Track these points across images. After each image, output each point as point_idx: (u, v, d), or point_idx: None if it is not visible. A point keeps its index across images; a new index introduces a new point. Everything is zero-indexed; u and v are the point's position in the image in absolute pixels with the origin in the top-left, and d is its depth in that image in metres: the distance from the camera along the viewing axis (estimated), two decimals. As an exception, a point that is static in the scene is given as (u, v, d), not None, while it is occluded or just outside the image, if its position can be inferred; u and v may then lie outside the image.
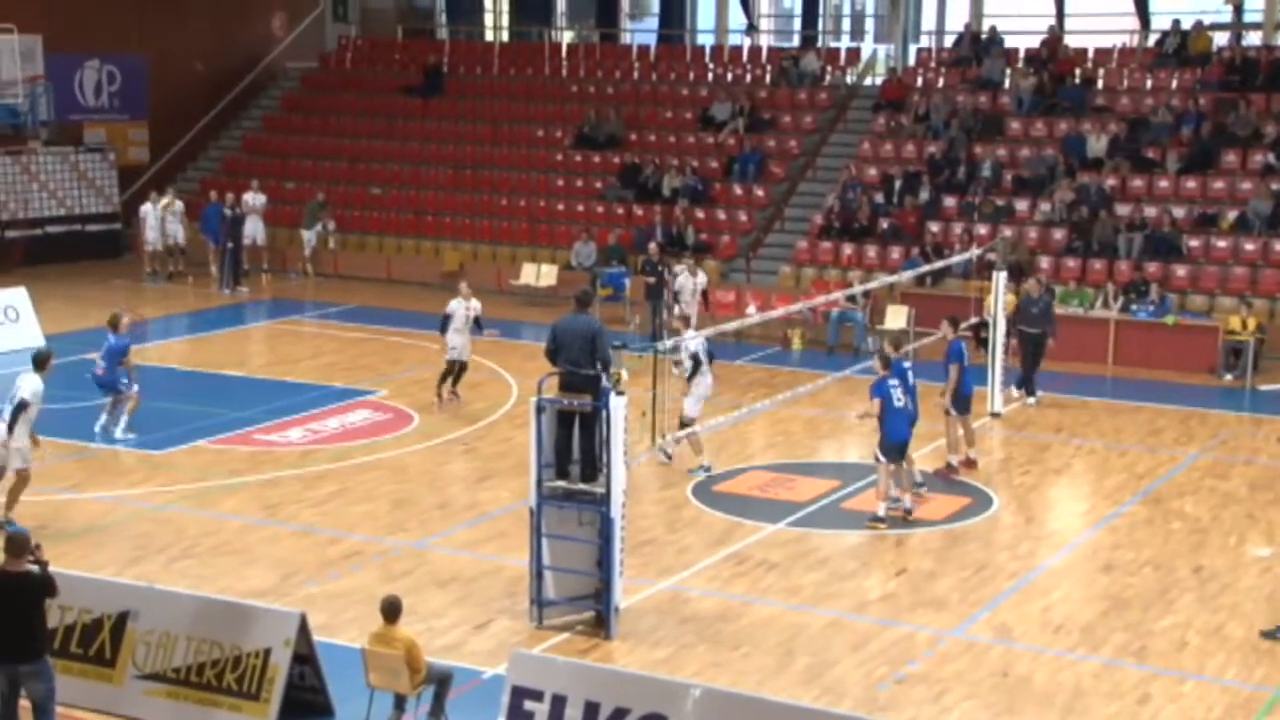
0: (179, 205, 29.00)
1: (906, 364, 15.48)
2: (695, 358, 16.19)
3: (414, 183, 31.04)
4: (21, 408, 13.84)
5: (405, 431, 18.21)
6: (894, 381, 14.85)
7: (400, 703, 10.22)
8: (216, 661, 10.35)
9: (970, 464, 16.80)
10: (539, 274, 27.27)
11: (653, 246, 24.75)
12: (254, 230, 28.90)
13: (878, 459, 14.86)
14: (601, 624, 11.98)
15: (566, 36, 37.54)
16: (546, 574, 12.10)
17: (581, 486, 12.03)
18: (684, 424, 15.84)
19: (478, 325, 19.35)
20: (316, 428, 18.27)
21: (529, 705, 9.66)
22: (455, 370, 19.20)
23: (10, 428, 13.82)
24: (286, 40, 35.57)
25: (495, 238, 29.20)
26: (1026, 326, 19.95)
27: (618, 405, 11.76)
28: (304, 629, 10.36)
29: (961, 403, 16.63)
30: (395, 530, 14.58)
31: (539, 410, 11.97)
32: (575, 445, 12.07)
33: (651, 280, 23.64)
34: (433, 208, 30.30)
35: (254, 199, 29.12)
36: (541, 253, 28.20)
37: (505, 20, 38.64)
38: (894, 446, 14.75)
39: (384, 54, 35.31)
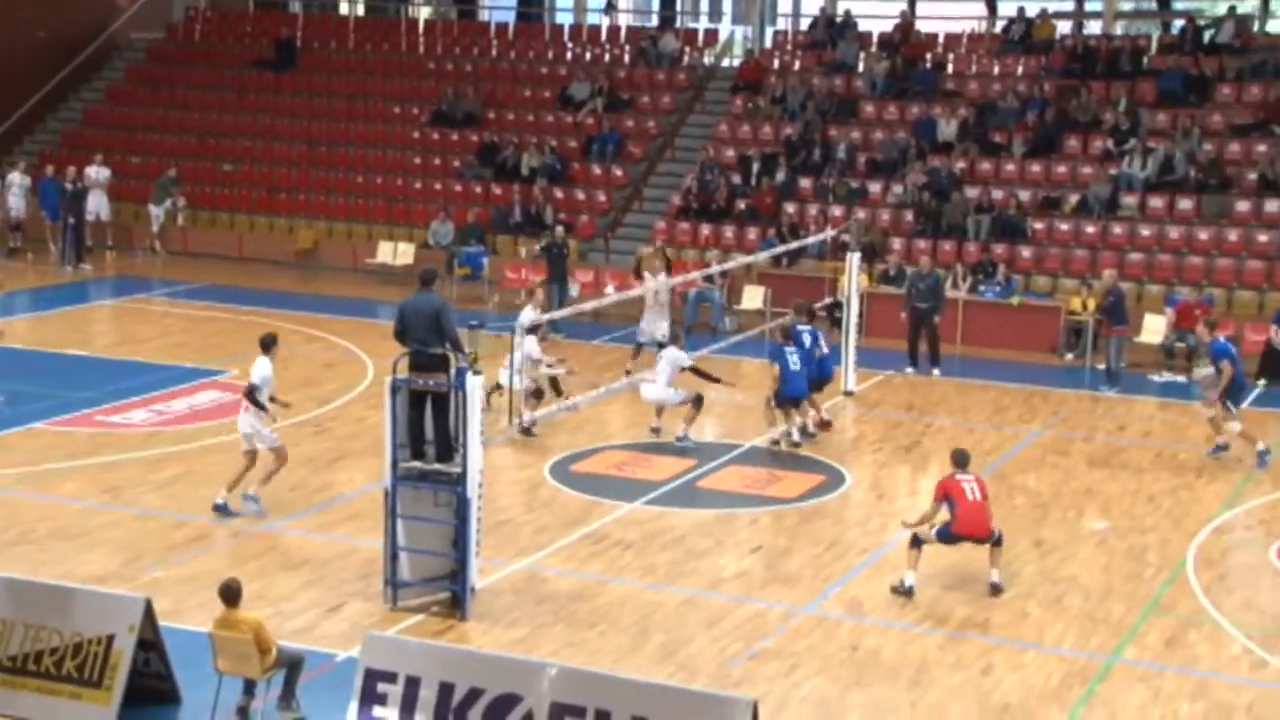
0: (25, 179, 27.97)
1: (802, 328, 17.26)
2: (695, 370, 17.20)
3: (266, 159, 30.37)
4: (252, 391, 13.81)
5: (256, 412, 17.82)
6: (791, 349, 16.71)
7: (250, 687, 10.06)
8: (55, 649, 10.03)
9: (825, 425, 17.56)
10: (396, 253, 26.92)
11: (559, 230, 24.55)
12: (98, 205, 28.00)
13: (769, 403, 16.85)
14: (457, 605, 11.92)
15: (424, 12, 37.06)
16: (401, 555, 11.99)
17: (437, 467, 11.94)
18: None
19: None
20: (162, 409, 17.80)
21: (382, 687, 9.56)
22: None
23: (258, 408, 13.81)
24: (131, 10, 34.43)
25: (350, 215, 28.75)
26: (919, 302, 20.80)
27: (473, 385, 11.70)
28: (149, 614, 10.10)
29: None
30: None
31: (394, 390, 11.84)
32: (429, 425, 11.97)
33: (543, 262, 23.43)
34: (286, 184, 29.69)
35: (97, 173, 28.20)
36: (398, 231, 27.82)
37: (360, -6, 37.98)
38: (787, 399, 16.77)
39: (234, 26, 34.44)
